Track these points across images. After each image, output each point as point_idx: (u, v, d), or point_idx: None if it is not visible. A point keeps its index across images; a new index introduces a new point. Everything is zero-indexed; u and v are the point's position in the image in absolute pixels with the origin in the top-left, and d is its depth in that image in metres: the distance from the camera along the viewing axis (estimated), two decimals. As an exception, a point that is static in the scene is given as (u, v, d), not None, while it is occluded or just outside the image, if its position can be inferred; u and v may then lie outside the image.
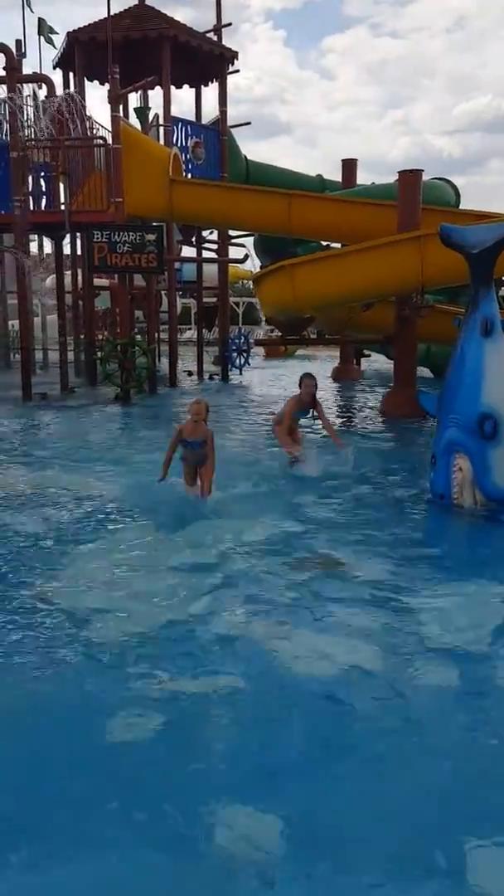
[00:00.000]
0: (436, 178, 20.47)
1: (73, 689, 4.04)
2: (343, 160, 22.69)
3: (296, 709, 3.83)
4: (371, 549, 6.38)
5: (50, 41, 21.11)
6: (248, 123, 23.90)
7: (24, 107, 17.49)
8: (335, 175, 22.89)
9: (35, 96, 18.74)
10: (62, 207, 16.85)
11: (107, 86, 17.04)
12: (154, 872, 2.75)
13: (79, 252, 20.85)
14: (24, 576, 5.77)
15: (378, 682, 4.09)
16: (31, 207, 16.86)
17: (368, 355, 27.29)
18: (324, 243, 18.33)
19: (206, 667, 4.22)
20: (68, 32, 19.53)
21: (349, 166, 22.59)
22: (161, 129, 19.33)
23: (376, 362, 28.33)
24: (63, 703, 3.94)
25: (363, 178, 23.17)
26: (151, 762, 3.39)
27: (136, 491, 8.21)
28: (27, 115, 17.87)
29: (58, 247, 19.73)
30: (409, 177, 14.24)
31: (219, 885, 2.70)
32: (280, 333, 20.32)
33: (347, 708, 3.84)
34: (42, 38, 21.10)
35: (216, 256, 22.12)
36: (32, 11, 32.03)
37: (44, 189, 17.41)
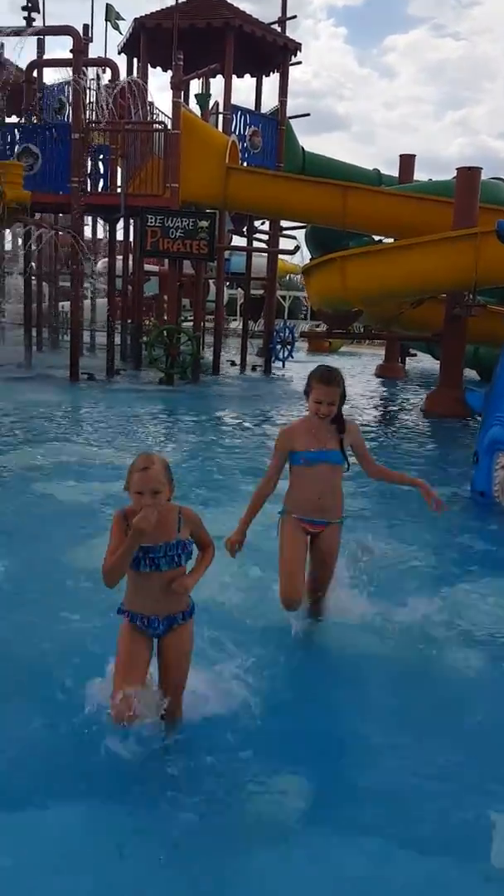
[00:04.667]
0: (493, 178, 20.22)
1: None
2: (401, 155, 22.53)
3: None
4: (409, 541, 6.37)
5: (116, 27, 21.33)
6: (308, 115, 23.85)
7: (88, 89, 17.69)
8: (392, 172, 22.77)
9: (99, 80, 18.97)
10: (118, 190, 17.00)
11: (169, 72, 17.15)
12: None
13: (131, 238, 21.02)
14: (63, 542, 5.89)
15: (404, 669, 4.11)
16: (89, 189, 17.03)
17: (414, 354, 27.10)
18: (376, 238, 18.23)
19: (250, 632, 4.26)
20: (135, 19, 19.68)
21: (406, 162, 22.42)
22: (220, 117, 19.39)
23: (422, 362, 28.15)
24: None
25: (420, 176, 22.99)
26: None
27: (173, 469, 8.30)
28: (90, 97, 18.09)
29: (111, 230, 19.92)
30: (468, 173, 14.10)
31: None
32: (326, 328, 20.27)
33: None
34: (109, 23, 21.34)
35: (266, 247, 22.14)
36: (100, -3, 32.36)
37: (101, 171, 17.58)
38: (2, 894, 2.46)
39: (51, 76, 26.54)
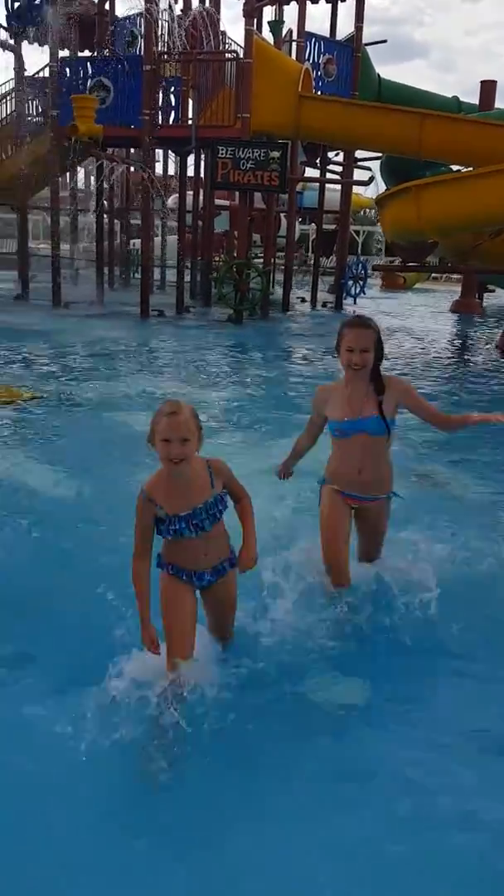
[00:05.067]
0: None
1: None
2: (482, 82, 21.58)
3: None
4: (475, 471, 6.34)
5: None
6: (384, 41, 23.02)
7: (160, 21, 17.39)
8: (472, 99, 21.81)
9: (171, 10, 18.61)
10: (189, 122, 16.81)
11: (242, 1, 16.67)
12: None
13: (202, 172, 20.83)
14: (132, 468, 6.08)
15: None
16: (160, 122, 16.90)
17: (492, 290, 26.31)
18: (454, 167, 17.59)
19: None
20: None
21: (487, 89, 21.44)
22: (294, 45, 18.85)
23: (500, 297, 27.35)
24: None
25: (502, 104, 22.00)
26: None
27: (241, 401, 8.44)
28: (162, 29, 17.79)
29: (182, 164, 19.77)
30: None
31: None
32: (399, 262, 19.82)
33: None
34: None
35: (340, 178, 21.63)
36: None
37: (173, 104, 17.38)
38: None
39: (122, 8, 26.12)
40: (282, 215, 23.63)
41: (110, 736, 2.75)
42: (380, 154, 19.66)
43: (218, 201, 22.40)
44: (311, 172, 22.61)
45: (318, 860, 2.32)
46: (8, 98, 18.96)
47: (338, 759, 2.81)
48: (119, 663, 3.03)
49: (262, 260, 19.79)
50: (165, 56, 17.23)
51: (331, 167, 22.13)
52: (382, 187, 20.62)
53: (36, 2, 18.48)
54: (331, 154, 21.75)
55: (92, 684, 2.98)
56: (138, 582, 2.92)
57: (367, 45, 20.67)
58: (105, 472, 5.99)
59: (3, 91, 19.09)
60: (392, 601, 3.75)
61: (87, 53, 20.44)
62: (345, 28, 21.25)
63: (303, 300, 22.84)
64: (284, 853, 2.35)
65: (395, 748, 2.85)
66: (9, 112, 18.90)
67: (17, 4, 18.96)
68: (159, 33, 17.36)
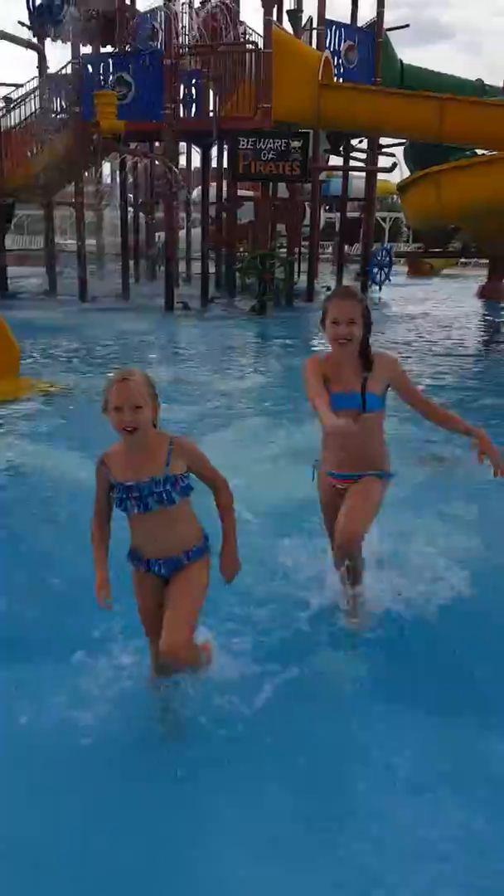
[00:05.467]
0: None
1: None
2: (506, 63, 21.30)
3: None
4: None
5: None
6: (407, 26, 22.80)
7: (180, 14, 17.50)
8: (498, 82, 21.62)
9: (191, 4, 18.68)
10: (210, 114, 16.91)
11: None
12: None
13: (224, 165, 20.91)
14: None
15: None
16: (181, 115, 17.02)
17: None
18: (479, 151, 17.49)
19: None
20: None
21: (512, 70, 21.17)
22: (314, 33, 18.83)
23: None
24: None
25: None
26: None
27: (264, 390, 8.57)
28: (182, 22, 17.88)
29: (204, 156, 19.88)
30: None
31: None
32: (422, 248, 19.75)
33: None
34: None
35: (363, 165, 21.56)
36: None
37: (194, 96, 17.49)
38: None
39: (143, 3, 26.24)
40: (306, 204, 23.63)
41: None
42: (404, 140, 19.60)
43: (241, 192, 22.47)
44: (334, 160, 22.56)
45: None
46: (32, 96, 19.20)
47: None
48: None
49: (286, 250, 19.84)
50: (186, 49, 17.33)
51: (354, 154, 22.08)
52: (407, 174, 20.55)
53: (57, 1, 18.68)
54: (354, 141, 21.69)
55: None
56: (93, 543, 2.85)
57: (388, 30, 20.58)
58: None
59: (28, 89, 19.34)
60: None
61: (108, 49, 20.61)
62: (367, 14, 21.17)
63: (328, 289, 22.83)
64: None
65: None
66: (33, 110, 19.14)
67: (39, 3, 19.19)
68: (179, 27, 17.46)
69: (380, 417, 3.49)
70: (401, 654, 3.39)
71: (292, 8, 20.72)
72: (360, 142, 21.66)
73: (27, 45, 19.28)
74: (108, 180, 25.53)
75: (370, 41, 19.77)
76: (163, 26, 17.05)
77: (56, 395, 8.33)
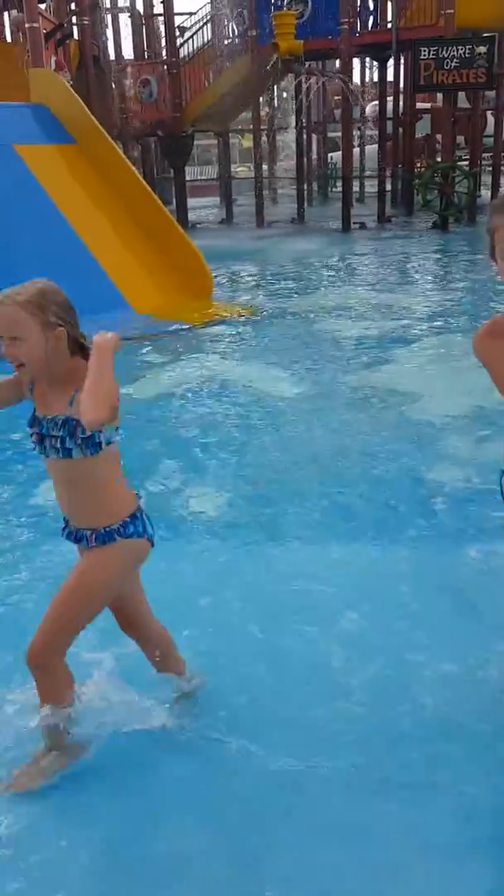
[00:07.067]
0: None
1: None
2: None
3: None
4: None
5: None
6: None
7: None
8: None
9: None
10: (389, 25, 16.39)
11: None
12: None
13: (402, 76, 20.20)
14: (345, 368, 6.63)
15: None
16: (359, 29, 16.61)
17: None
18: None
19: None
20: None
21: None
22: None
23: None
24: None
25: None
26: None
27: (447, 307, 8.65)
28: None
29: (382, 70, 19.31)
30: None
31: None
32: None
33: None
34: None
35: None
36: None
37: (371, 8, 16.99)
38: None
39: None
40: (488, 114, 22.41)
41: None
42: None
43: (419, 105, 21.66)
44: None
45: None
46: (206, 24, 19.33)
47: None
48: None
49: (467, 163, 19.07)
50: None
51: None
52: None
53: None
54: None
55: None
56: None
57: None
58: (315, 373, 6.56)
59: (201, 16, 19.51)
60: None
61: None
62: None
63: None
64: None
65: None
66: (207, 39, 19.30)
67: None
68: None
69: None
70: None
71: None
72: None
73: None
74: (281, 103, 25.45)
75: None
76: None
77: (247, 316, 8.82)
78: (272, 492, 4.30)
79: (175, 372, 6.76)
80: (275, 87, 20.02)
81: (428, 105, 23.67)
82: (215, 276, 10.14)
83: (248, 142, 27.02)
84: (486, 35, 15.86)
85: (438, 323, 8.20)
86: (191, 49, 19.10)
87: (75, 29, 16.94)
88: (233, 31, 18.97)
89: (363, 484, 4.34)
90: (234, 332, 8.19)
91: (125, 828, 2.19)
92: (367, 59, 22.68)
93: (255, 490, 4.36)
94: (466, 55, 15.13)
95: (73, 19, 16.98)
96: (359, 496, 4.21)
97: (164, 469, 4.62)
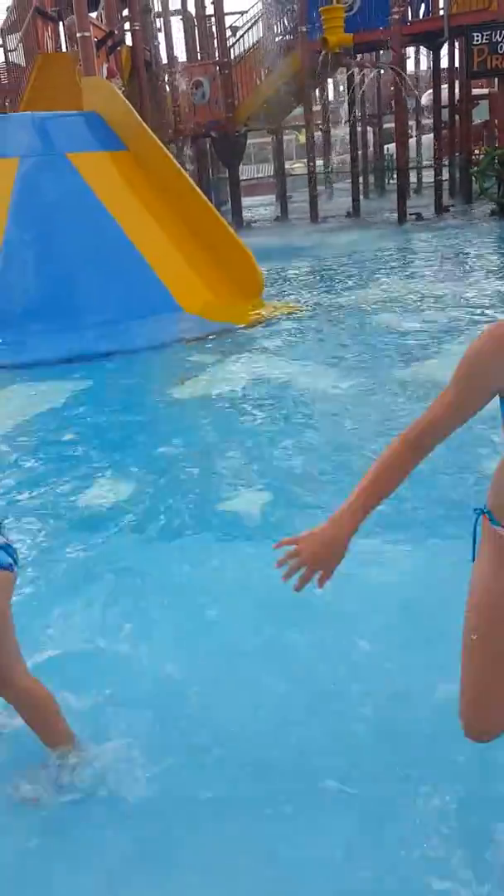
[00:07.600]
0: None
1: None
2: None
3: None
4: None
5: None
6: None
7: None
8: None
9: None
10: (441, 12, 16.14)
11: None
12: None
13: (456, 63, 19.85)
14: (398, 363, 6.58)
15: None
16: (409, 18, 16.42)
17: None
18: None
19: None
20: None
21: None
22: None
23: None
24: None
25: None
26: None
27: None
28: None
29: (435, 58, 19.03)
30: None
31: None
32: None
33: None
34: None
35: None
36: None
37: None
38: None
39: None
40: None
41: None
42: None
43: (475, 91, 21.26)
44: None
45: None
46: (256, 22, 19.33)
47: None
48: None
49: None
50: None
51: None
52: None
53: None
54: None
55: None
56: None
57: None
58: (371, 369, 6.53)
59: (252, 15, 19.51)
60: None
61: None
62: None
63: None
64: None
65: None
66: (259, 37, 19.29)
67: None
68: None
69: None
70: None
71: None
72: None
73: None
74: (332, 97, 25.33)
75: None
76: None
77: (297, 313, 8.82)
78: (323, 495, 4.26)
79: (224, 372, 6.81)
80: (327, 81, 19.96)
81: (486, 91, 23.19)
82: (266, 274, 10.16)
83: (304, 137, 26.98)
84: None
85: (490, 314, 8.04)
86: (242, 48, 19.17)
87: (127, 35, 17.18)
88: (283, 27, 18.96)
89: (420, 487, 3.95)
90: (284, 330, 8.20)
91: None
92: (420, 48, 22.37)
93: (303, 490, 4.34)
94: (521, 37, 14.81)
95: (125, 26, 17.22)
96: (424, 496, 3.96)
97: (217, 466, 4.65)
